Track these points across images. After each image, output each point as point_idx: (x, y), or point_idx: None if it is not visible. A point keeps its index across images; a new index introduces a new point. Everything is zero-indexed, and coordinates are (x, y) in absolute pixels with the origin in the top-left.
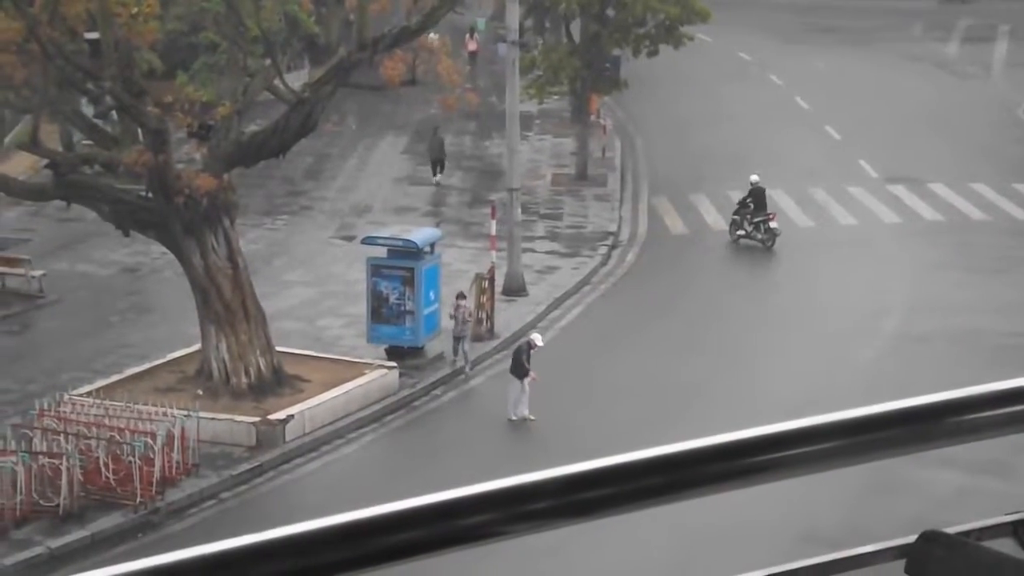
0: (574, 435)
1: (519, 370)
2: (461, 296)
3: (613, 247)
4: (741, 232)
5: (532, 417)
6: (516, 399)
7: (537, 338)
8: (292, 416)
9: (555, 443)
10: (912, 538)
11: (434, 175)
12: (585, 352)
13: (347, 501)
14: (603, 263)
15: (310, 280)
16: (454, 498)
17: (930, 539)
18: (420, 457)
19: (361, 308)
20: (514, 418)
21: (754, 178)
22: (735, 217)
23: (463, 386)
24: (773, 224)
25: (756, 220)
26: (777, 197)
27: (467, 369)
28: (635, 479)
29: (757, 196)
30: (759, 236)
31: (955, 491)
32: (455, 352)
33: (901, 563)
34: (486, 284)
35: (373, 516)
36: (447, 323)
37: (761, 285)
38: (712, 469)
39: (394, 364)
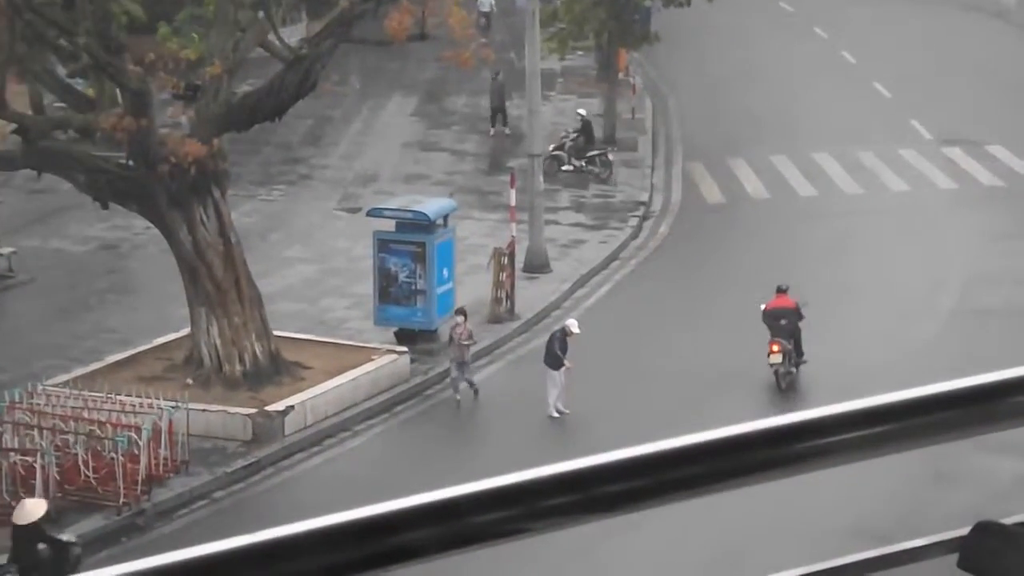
0: (603, 430)
1: (553, 360)
2: (460, 312)
3: (644, 218)
4: (568, 167)
5: (566, 411)
6: (553, 392)
7: (573, 324)
8: (292, 407)
9: (582, 439)
10: (965, 530)
11: (492, 125)
12: (614, 335)
13: (353, 500)
14: (633, 236)
15: (310, 257)
16: (468, 494)
17: (984, 530)
18: (434, 452)
19: (367, 287)
20: (555, 414)
21: (582, 112)
22: (558, 153)
23: (482, 372)
24: (610, 156)
25: (591, 155)
26: (822, 162)
27: (474, 396)
28: (667, 469)
29: (587, 131)
30: (595, 169)
31: (1013, 480)
32: (454, 385)
33: (954, 557)
34: (505, 260)
35: (379, 514)
36: (462, 303)
37: (807, 259)
38: (753, 457)
39: (405, 349)
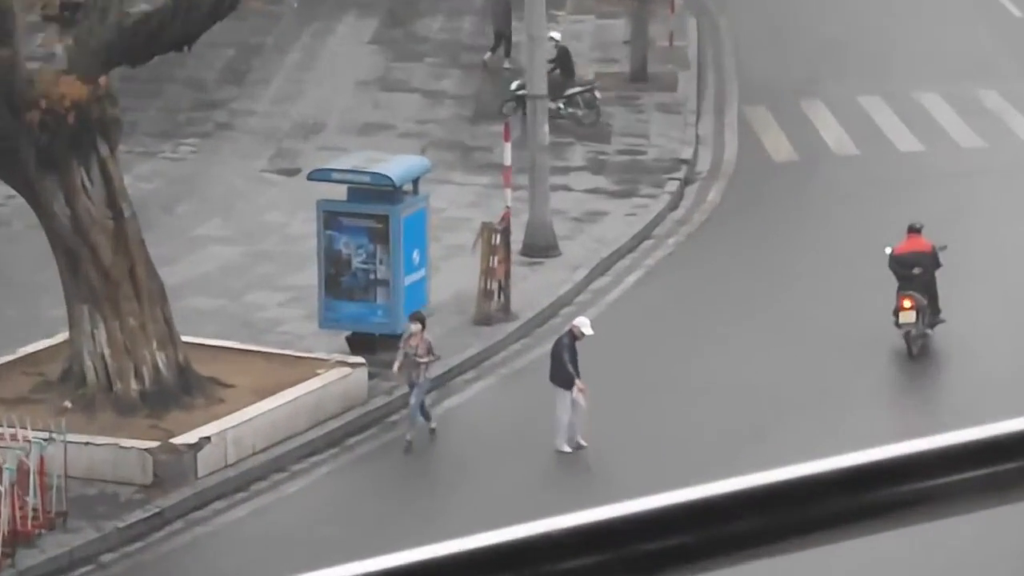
0: (632, 471)
1: (562, 375)
2: (416, 319)
3: (687, 182)
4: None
5: (583, 444)
6: (564, 419)
7: (584, 324)
8: (208, 439)
9: (602, 483)
10: None
11: (492, 51)
12: (646, 342)
13: (289, 566)
14: (672, 206)
15: (232, 235)
16: (446, 555)
17: None
18: (399, 501)
19: (310, 277)
20: (567, 449)
21: (555, 35)
22: (524, 93)
23: (466, 391)
24: (597, 94)
25: (571, 93)
26: (929, 104)
27: (430, 429)
28: (723, 521)
29: (563, 60)
30: (579, 112)
31: None
32: (410, 418)
33: None
34: (498, 239)
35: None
36: (439, 297)
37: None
38: (837, 503)
39: (361, 360)
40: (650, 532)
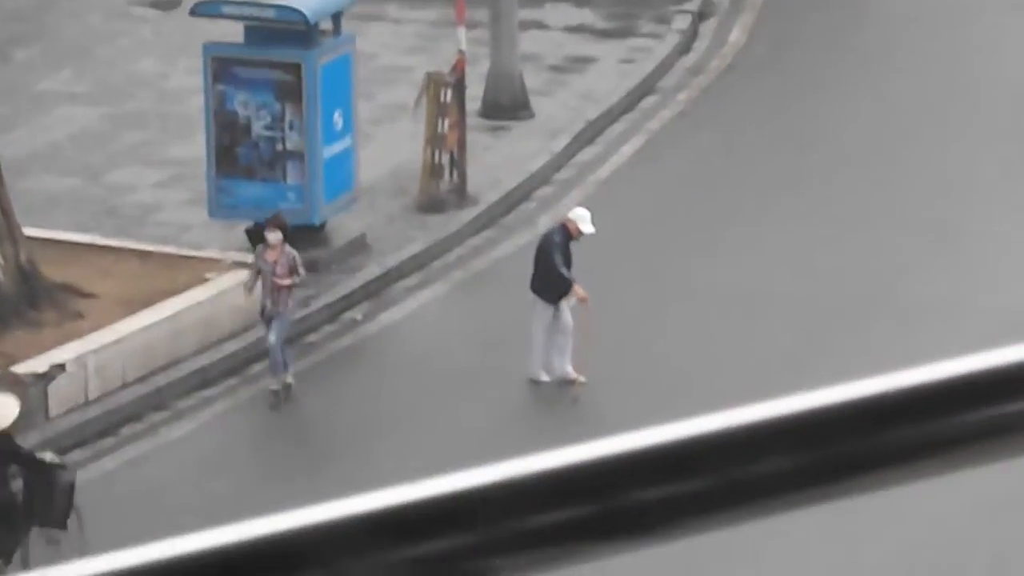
0: (624, 406)
1: (550, 283)
2: (275, 225)
3: (702, 15)
4: None
5: (580, 378)
6: (545, 340)
7: (582, 218)
8: (62, 366)
9: (591, 423)
10: None
11: None
12: (647, 235)
13: (168, 529)
14: (682, 49)
15: (90, 91)
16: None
17: None
18: (317, 446)
19: (196, 148)
20: (544, 378)
21: None
22: None
23: (407, 301)
24: None
25: None
26: None
27: (285, 387)
28: (726, 463)
29: None
30: None
31: None
32: (272, 362)
33: None
34: (448, 96)
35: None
36: (372, 174)
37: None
38: (890, 436)
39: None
40: (643, 477)
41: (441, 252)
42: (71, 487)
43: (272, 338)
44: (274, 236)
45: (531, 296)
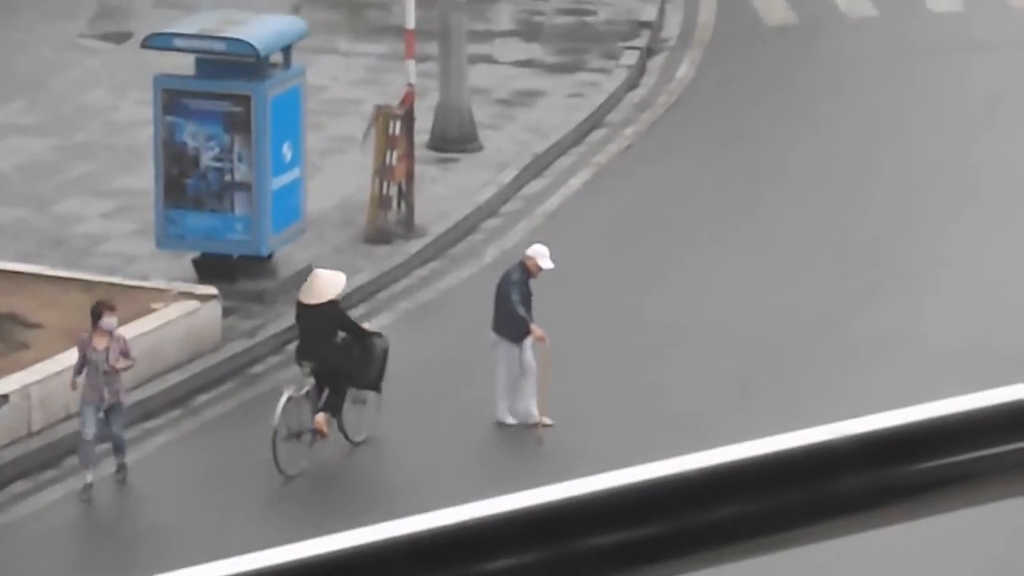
0: (580, 445)
1: (510, 323)
2: (105, 308)
3: (650, 52)
4: None
5: (547, 421)
6: (509, 382)
7: (541, 255)
8: (5, 397)
9: (553, 463)
10: None
11: None
12: (596, 268)
13: (109, 565)
14: (630, 85)
15: (40, 123)
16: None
17: None
18: (261, 482)
19: (143, 179)
20: (510, 420)
21: None
22: None
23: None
24: None
25: None
26: None
27: (121, 480)
28: (691, 508)
29: None
30: None
31: None
32: (82, 455)
33: None
34: (398, 128)
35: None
36: (320, 206)
37: (946, 128)
38: (848, 483)
39: (212, 291)
40: (606, 522)
41: (388, 283)
42: (386, 353)
43: (114, 429)
44: (109, 321)
45: (494, 337)
